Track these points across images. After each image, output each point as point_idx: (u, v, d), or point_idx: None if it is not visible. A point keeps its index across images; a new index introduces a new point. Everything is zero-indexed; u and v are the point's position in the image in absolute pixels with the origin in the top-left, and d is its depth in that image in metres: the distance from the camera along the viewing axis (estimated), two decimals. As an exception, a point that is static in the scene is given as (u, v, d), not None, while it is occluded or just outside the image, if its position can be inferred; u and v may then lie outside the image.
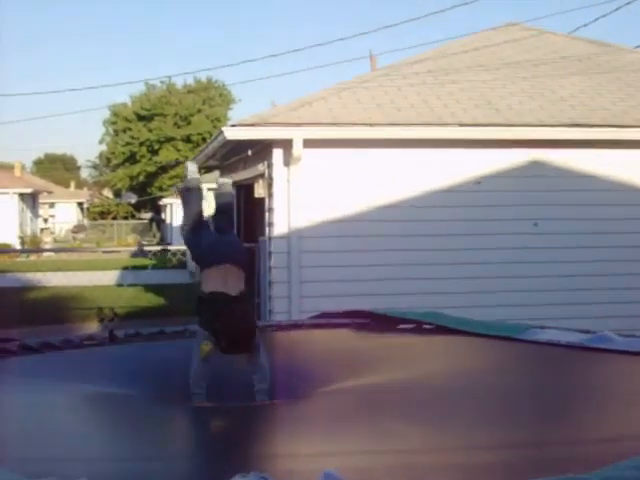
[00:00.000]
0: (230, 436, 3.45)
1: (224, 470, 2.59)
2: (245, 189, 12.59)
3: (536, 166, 10.04)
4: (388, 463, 2.79)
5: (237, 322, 4.08)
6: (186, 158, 42.67)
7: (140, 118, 56.80)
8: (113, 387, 4.16)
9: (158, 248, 15.76)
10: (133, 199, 58.40)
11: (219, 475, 2.46)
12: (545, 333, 4.93)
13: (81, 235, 54.94)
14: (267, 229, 10.02)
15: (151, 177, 57.93)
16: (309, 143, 9.39)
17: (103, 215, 67.01)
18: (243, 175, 11.61)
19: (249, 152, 10.50)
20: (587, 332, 4.95)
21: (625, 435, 3.06)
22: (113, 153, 59.97)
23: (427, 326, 5.49)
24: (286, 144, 9.45)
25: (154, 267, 19.18)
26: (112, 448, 3.19)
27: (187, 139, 55.68)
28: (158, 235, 52.99)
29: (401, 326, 5.57)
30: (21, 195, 42.71)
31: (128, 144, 57.52)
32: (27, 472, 2.50)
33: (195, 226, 4.83)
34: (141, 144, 56.83)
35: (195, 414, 4.07)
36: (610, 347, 4.47)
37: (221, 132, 9.91)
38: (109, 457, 3.01)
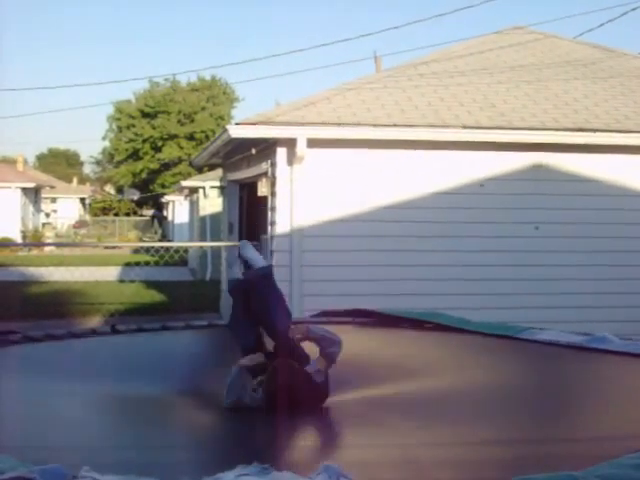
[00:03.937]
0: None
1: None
2: (248, 187, 12.64)
3: (538, 170, 10.08)
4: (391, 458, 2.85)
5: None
6: (189, 156, 42.70)
7: (144, 115, 56.85)
8: (114, 376, 4.20)
9: (160, 244, 15.75)
10: (135, 196, 58.57)
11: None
12: (544, 334, 4.97)
13: (83, 231, 54.98)
14: (269, 228, 10.05)
15: (154, 174, 57.99)
16: (313, 143, 9.43)
17: (105, 211, 66.98)
18: (246, 173, 11.65)
19: (253, 151, 10.53)
20: (586, 334, 4.98)
21: (621, 433, 3.10)
22: (116, 149, 60.01)
23: (428, 325, 5.53)
24: (290, 143, 9.49)
25: (156, 264, 19.19)
26: (114, 436, 3.23)
27: (190, 137, 55.73)
28: (160, 232, 53.07)
29: (402, 325, 5.61)
30: (24, 189, 42.74)
31: (131, 141, 57.56)
32: (29, 459, 2.53)
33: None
34: (144, 141, 56.88)
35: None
36: (608, 348, 4.51)
37: (225, 130, 9.95)
38: (111, 446, 3.04)
